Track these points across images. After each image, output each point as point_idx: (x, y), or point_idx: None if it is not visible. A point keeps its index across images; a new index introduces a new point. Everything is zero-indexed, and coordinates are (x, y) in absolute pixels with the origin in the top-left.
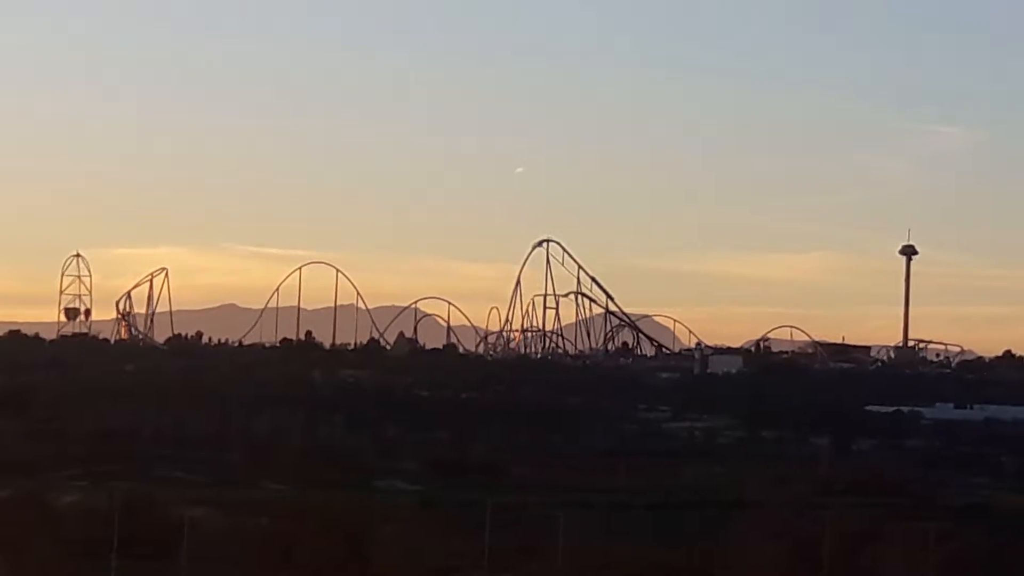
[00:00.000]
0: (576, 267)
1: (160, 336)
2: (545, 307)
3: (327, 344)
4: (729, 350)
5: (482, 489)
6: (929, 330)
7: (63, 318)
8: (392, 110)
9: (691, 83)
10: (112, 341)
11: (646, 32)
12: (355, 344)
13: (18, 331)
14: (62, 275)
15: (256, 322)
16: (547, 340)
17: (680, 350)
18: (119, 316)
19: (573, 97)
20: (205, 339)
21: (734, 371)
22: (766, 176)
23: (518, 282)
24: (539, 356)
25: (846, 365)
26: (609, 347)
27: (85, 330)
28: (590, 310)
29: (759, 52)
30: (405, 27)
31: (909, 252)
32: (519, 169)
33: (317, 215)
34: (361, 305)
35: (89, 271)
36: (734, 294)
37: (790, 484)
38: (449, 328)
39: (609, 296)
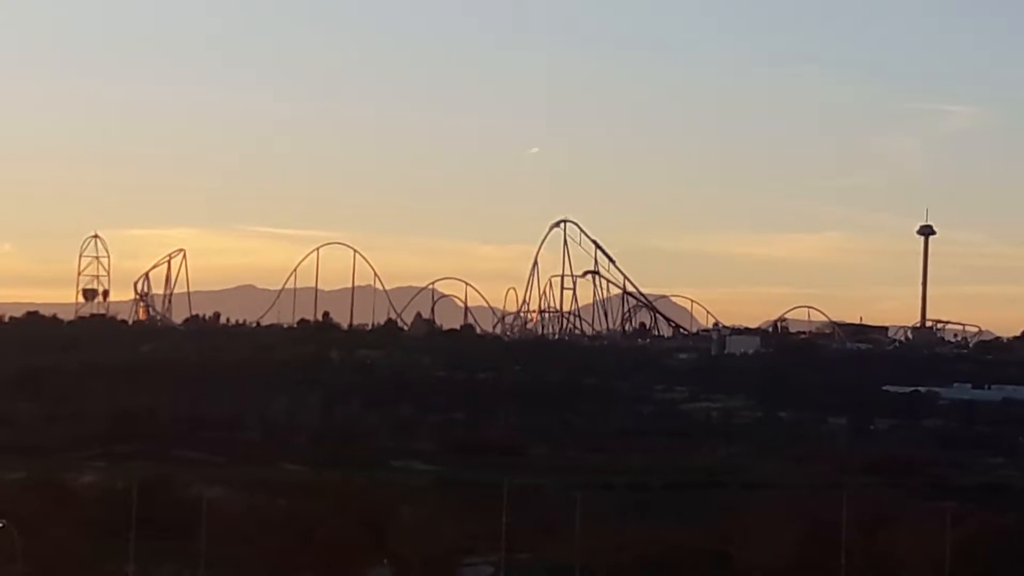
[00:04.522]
0: (593, 248)
1: (178, 317)
2: (562, 288)
3: (345, 325)
4: (747, 331)
5: (499, 469)
6: (947, 310)
7: (81, 299)
8: (409, 92)
9: (708, 67)
10: (130, 322)
11: (663, 16)
12: (373, 325)
13: (36, 312)
14: (80, 256)
15: (274, 303)
16: (564, 321)
17: (697, 330)
18: (137, 297)
19: (589, 78)
20: (223, 320)
21: (751, 352)
22: (783, 157)
23: (535, 263)
24: (556, 337)
25: (863, 346)
26: (626, 328)
27: (103, 311)
28: (607, 291)
29: (774, 36)
30: (421, 10)
31: (927, 232)
32: (534, 150)
33: (335, 196)
34: (379, 286)
35: (107, 252)
36: (752, 274)
37: (808, 464)
38: (466, 309)
39: (626, 276)
